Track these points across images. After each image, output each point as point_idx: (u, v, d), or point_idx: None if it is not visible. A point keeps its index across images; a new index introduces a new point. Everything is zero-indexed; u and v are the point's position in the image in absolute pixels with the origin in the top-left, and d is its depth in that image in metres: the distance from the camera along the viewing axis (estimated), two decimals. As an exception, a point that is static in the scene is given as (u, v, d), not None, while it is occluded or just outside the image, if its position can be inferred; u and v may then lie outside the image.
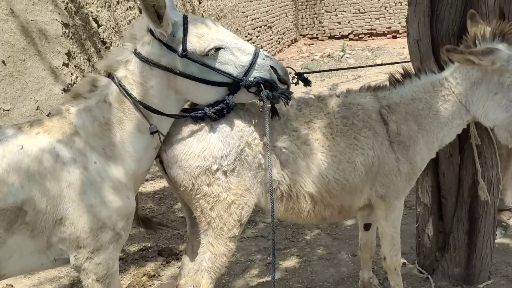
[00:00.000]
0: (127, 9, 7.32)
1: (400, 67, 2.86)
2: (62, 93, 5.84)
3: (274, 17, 15.04)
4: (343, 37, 17.41)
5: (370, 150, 2.62)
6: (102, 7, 6.75)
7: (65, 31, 6.04)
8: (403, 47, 15.38)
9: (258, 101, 2.45)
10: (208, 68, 2.38)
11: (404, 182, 2.73)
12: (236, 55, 2.42)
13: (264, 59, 2.48)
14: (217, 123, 2.45)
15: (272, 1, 14.90)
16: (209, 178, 2.44)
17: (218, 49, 2.38)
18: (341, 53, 14.64)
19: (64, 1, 6.06)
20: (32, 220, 2.13)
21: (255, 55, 2.44)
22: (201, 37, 2.36)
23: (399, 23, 16.71)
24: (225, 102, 2.43)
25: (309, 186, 2.56)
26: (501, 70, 2.56)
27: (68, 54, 6.05)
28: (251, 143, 2.48)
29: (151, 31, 2.36)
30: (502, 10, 3.00)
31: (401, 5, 16.59)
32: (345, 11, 17.32)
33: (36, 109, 5.46)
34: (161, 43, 2.34)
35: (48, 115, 2.48)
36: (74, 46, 6.17)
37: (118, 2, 7.12)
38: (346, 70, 11.98)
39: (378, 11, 16.93)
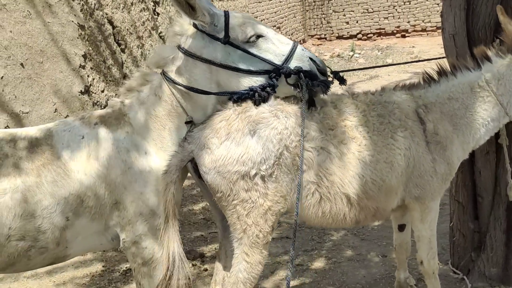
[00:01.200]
0: (141, 10, 7.27)
1: (435, 64, 2.78)
2: (79, 95, 5.80)
3: (283, 18, 15.00)
4: (351, 37, 17.33)
5: (407, 151, 2.54)
6: (116, 8, 6.71)
7: (81, 33, 6.00)
8: (413, 46, 15.30)
9: (297, 93, 2.45)
10: (249, 55, 2.44)
11: (440, 183, 2.65)
12: (276, 44, 2.48)
13: (303, 49, 2.53)
14: (256, 125, 2.38)
15: (280, 2, 14.86)
16: (247, 183, 2.38)
17: (259, 36, 2.45)
18: (351, 53, 14.56)
19: (79, 3, 6.02)
20: (93, 204, 2.31)
21: (294, 46, 2.50)
22: (243, 25, 2.45)
23: (408, 22, 16.63)
24: (270, 84, 2.43)
25: (346, 187, 2.48)
26: None
27: (84, 56, 6.00)
28: (289, 146, 2.41)
29: (194, 25, 2.45)
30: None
31: (409, 4, 16.51)
32: (353, 11, 17.24)
33: (54, 112, 5.42)
34: (203, 34, 2.44)
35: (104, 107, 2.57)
36: (90, 48, 6.13)
37: (132, 4, 7.07)
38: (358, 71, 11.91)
39: (387, 10, 16.84)
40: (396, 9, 16.71)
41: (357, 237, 4.25)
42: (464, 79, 2.66)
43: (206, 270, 3.93)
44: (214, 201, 2.56)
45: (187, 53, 2.44)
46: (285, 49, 2.47)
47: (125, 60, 6.84)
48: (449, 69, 2.68)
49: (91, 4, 6.24)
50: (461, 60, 2.71)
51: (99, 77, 6.21)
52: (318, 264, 3.87)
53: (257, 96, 2.42)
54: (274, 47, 2.47)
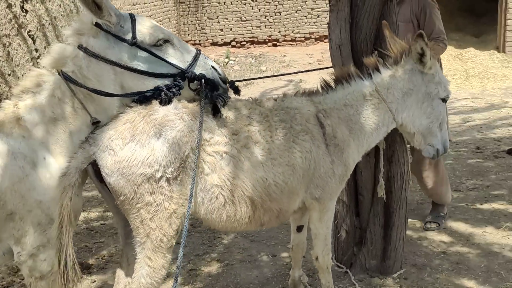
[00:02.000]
0: (7, 6, 6.68)
1: (330, 72, 2.99)
2: None
3: (157, 22, 14.77)
4: (225, 44, 17.66)
5: (308, 153, 2.68)
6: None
7: None
8: (284, 55, 16.05)
9: (197, 99, 2.50)
10: (155, 58, 2.41)
11: (338, 184, 2.84)
12: (181, 50, 2.50)
13: (205, 58, 2.58)
14: (161, 128, 2.35)
15: (155, 6, 14.65)
16: (152, 186, 2.33)
17: (166, 41, 2.45)
18: (226, 60, 14.86)
19: None
20: None
21: (197, 53, 2.55)
22: (150, 28, 2.43)
23: (279, 32, 17.41)
24: (176, 84, 2.43)
25: (250, 190, 2.54)
26: (428, 80, 2.86)
27: None
28: (195, 149, 2.40)
29: (97, 24, 2.35)
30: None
31: (280, 14, 17.30)
32: (227, 19, 17.59)
33: None
34: (108, 34, 2.35)
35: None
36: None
37: None
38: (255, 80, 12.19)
39: (259, 19, 17.46)
40: (268, 19, 17.39)
41: (246, 239, 4.35)
42: (357, 87, 2.88)
43: (94, 281, 3.75)
44: (116, 206, 2.47)
45: (90, 53, 2.33)
46: (189, 56, 2.51)
47: (-10, 60, 6.24)
48: (344, 78, 2.89)
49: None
50: (354, 70, 2.93)
51: (5, 80, 5.58)
52: (211, 267, 3.89)
53: (163, 95, 2.40)
54: (179, 53, 2.49)
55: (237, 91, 2.75)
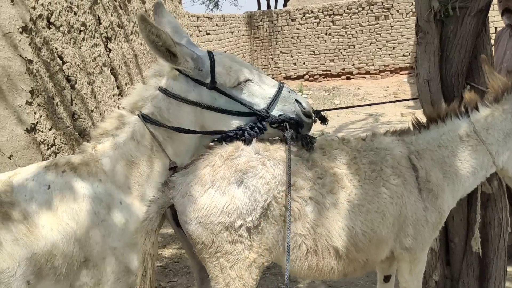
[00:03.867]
0: (92, 46, 7.02)
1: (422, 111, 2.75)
2: (24, 133, 5.42)
3: (232, 57, 15.09)
4: (298, 77, 17.69)
5: (399, 199, 2.44)
6: (67, 43, 6.43)
7: (29, 68, 5.67)
8: (358, 88, 15.77)
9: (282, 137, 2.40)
10: (234, 101, 2.33)
11: (431, 233, 2.57)
12: (262, 87, 2.40)
13: (289, 91, 2.46)
14: (243, 175, 2.23)
15: (230, 42, 14.97)
16: (231, 235, 2.20)
17: (246, 80, 2.36)
18: (299, 93, 14.79)
19: (28, 37, 5.71)
20: (59, 264, 2.02)
21: (280, 88, 2.43)
22: (230, 69, 2.34)
23: (353, 64, 17.20)
24: (258, 125, 2.34)
25: (335, 239, 2.34)
26: None
27: (32, 92, 5.66)
28: (277, 196, 2.26)
29: (177, 68, 2.30)
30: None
31: (354, 47, 17.11)
32: (300, 53, 17.66)
33: (-3, 151, 5.01)
34: (188, 78, 2.30)
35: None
36: (38, 84, 5.79)
37: (83, 39, 6.82)
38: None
39: (332, 53, 17.39)
40: (341, 52, 17.27)
41: (324, 284, 4.10)
42: (453, 127, 2.62)
43: (167, 324, 3.65)
44: (191, 251, 2.37)
45: (170, 95, 2.29)
46: (271, 91, 2.39)
47: (75, 97, 6.54)
48: (439, 116, 2.65)
49: (41, 38, 5.94)
50: (450, 107, 2.69)
51: (47, 115, 5.86)
52: (287, 314, 3.68)
53: (247, 135, 2.30)
54: (261, 90, 2.38)
55: (324, 120, 2.63)
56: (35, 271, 1.99)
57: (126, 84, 7.94)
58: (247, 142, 2.31)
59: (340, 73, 17.35)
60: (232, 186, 2.21)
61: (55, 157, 5.92)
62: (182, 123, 2.30)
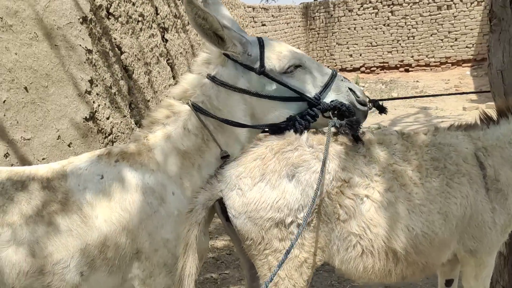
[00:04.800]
0: (149, 36, 7.09)
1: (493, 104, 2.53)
2: (84, 122, 5.53)
3: (287, 49, 14.96)
4: (354, 69, 17.31)
5: (463, 199, 2.26)
6: (125, 33, 6.51)
7: (88, 58, 5.77)
8: (417, 81, 15.24)
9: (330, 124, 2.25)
10: (284, 87, 2.22)
11: (499, 236, 2.37)
12: (314, 74, 2.28)
13: (342, 80, 2.33)
14: (295, 169, 2.12)
15: (285, 33, 14.82)
16: (281, 232, 2.10)
17: (296, 66, 2.25)
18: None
19: (88, 27, 5.82)
20: (112, 256, 2.00)
21: (333, 76, 2.31)
22: (280, 54, 2.25)
23: (412, 56, 16.65)
24: (309, 112, 2.23)
25: (393, 241, 2.19)
26: None
27: (91, 81, 5.77)
28: (330, 192, 2.14)
29: (225, 53, 2.23)
30: None
31: (413, 38, 16.55)
32: (356, 44, 17.26)
33: (57, 139, 5.14)
34: (236, 64, 2.22)
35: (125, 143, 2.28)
36: (97, 73, 5.90)
37: (141, 29, 6.89)
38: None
39: (391, 44, 16.89)
40: (400, 44, 16.74)
41: (380, 284, 3.93)
42: None
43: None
44: (241, 247, 2.29)
45: (218, 82, 2.22)
46: (324, 79, 2.28)
47: (132, 87, 6.63)
48: (510, 110, 2.43)
49: (100, 29, 6.04)
50: None
51: (105, 104, 5.97)
52: (341, 313, 3.56)
53: (298, 125, 2.20)
54: (312, 77, 2.27)
55: (382, 110, 2.49)
56: (89, 262, 1.97)
57: (181, 75, 7.99)
58: (299, 132, 2.21)
59: (398, 65, 16.83)
60: (283, 180, 2.11)
61: (112, 146, 6.03)
62: (232, 111, 2.23)
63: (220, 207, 2.24)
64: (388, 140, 2.36)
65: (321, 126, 2.32)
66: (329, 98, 2.27)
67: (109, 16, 6.32)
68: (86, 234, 1.97)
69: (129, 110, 6.44)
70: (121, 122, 6.21)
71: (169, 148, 2.19)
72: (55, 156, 5.13)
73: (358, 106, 2.32)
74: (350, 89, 2.32)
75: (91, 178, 2.07)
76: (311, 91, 2.25)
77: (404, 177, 2.23)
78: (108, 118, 6.09)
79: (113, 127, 6.00)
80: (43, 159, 4.88)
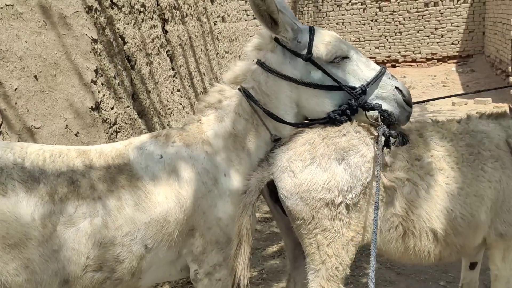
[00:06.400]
0: (151, 27, 7.08)
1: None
2: (90, 111, 5.53)
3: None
4: (342, 64, 17.44)
5: (497, 183, 2.37)
6: (128, 24, 6.50)
7: (94, 47, 5.76)
8: (404, 76, 15.45)
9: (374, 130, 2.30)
10: (328, 77, 2.26)
11: None
12: (361, 67, 2.31)
13: (389, 78, 2.35)
14: (344, 153, 2.20)
15: (275, 26, 14.89)
16: (331, 211, 2.20)
17: (344, 58, 2.29)
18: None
19: (93, 16, 5.80)
20: (172, 231, 2.09)
21: (380, 72, 2.33)
22: (328, 43, 2.29)
23: (399, 52, 16.86)
24: (347, 103, 2.28)
25: (433, 222, 2.30)
26: None
27: (96, 71, 5.76)
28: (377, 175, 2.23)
29: (275, 39, 2.31)
30: None
31: (400, 34, 16.75)
32: (345, 39, 17.37)
33: (65, 128, 5.13)
34: (285, 49, 2.29)
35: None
36: (102, 63, 5.89)
37: (143, 20, 6.88)
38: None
39: (378, 40, 17.06)
40: (387, 39, 16.93)
41: (392, 272, 4.06)
42: None
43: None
44: (287, 228, 2.38)
45: (266, 68, 2.29)
46: (370, 74, 2.30)
47: (134, 77, 6.62)
48: None
49: (104, 18, 6.02)
50: None
51: (109, 94, 5.96)
52: (356, 299, 3.66)
53: (337, 123, 2.29)
54: (359, 71, 2.30)
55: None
56: (152, 236, 2.06)
57: (180, 66, 7.99)
58: (338, 125, 2.29)
59: (386, 61, 17.02)
60: (333, 163, 2.20)
61: (117, 136, 6.03)
62: (279, 97, 2.29)
63: (268, 189, 2.33)
64: (425, 127, 2.47)
65: (361, 121, 2.35)
66: (374, 95, 2.30)
67: (113, 6, 6.30)
68: (150, 209, 2.05)
69: (132, 101, 6.45)
70: (124, 112, 6.21)
71: (221, 132, 2.27)
72: (63, 145, 5.12)
73: (405, 106, 2.34)
74: (397, 88, 2.33)
75: (152, 157, 2.15)
76: (355, 84, 2.28)
77: (442, 162, 2.34)
78: (112, 108, 6.08)
79: (117, 117, 6.01)
80: (55, 147, 4.87)
